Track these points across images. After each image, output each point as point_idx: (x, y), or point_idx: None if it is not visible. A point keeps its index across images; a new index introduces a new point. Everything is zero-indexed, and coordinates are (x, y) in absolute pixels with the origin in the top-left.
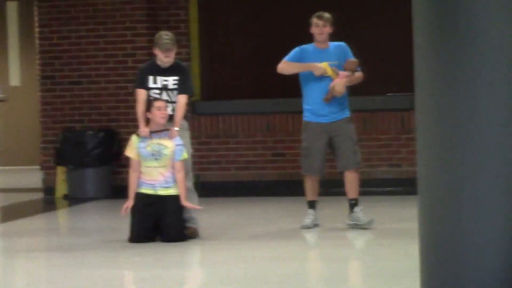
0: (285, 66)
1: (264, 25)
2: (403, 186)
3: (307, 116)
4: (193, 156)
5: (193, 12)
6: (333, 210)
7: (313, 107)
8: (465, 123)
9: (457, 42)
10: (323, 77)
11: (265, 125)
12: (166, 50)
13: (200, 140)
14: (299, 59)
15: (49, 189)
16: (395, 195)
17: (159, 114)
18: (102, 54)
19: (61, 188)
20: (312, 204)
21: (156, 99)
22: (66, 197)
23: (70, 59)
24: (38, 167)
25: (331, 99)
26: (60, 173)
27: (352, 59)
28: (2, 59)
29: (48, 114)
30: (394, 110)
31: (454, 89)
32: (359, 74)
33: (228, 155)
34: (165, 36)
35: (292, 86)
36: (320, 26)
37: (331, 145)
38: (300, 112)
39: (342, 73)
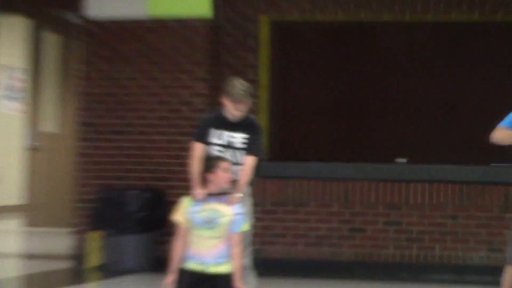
0: (506, 136)
1: (346, 75)
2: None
3: None
4: (254, 227)
5: (264, 56)
6: None
7: None
8: None
9: None
10: None
11: (343, 193)
12: (237, 102)
13: (264, 208)
14: None
15: (80, 257)
16: (494, 285)
17: (224, 177)
18: (153, 101)
19: (94, 257)
20: None
21: (221, 158)
22: (100, 268)
23: (115, 105)
24: (69, 230)
25: None
26: (95, 239)
27: None
28: (35, 100)
29: (85, 168)
30: (497, 183)
31: None
32: None
33: (296, 227)
34: (240, 85)
35: (375, 150)
36: None
37: None
38: (388, 180)
39: None
